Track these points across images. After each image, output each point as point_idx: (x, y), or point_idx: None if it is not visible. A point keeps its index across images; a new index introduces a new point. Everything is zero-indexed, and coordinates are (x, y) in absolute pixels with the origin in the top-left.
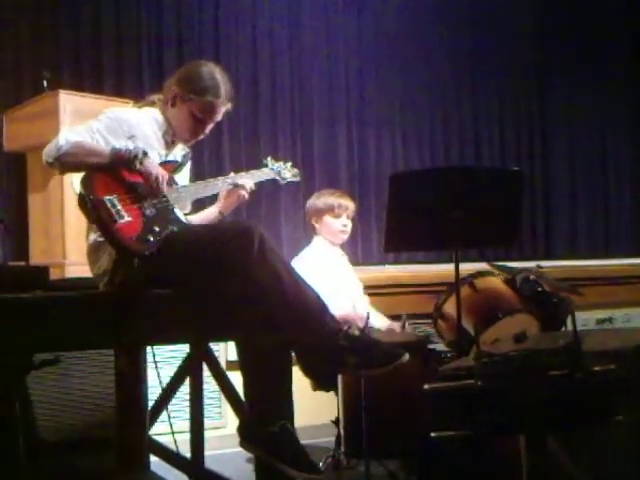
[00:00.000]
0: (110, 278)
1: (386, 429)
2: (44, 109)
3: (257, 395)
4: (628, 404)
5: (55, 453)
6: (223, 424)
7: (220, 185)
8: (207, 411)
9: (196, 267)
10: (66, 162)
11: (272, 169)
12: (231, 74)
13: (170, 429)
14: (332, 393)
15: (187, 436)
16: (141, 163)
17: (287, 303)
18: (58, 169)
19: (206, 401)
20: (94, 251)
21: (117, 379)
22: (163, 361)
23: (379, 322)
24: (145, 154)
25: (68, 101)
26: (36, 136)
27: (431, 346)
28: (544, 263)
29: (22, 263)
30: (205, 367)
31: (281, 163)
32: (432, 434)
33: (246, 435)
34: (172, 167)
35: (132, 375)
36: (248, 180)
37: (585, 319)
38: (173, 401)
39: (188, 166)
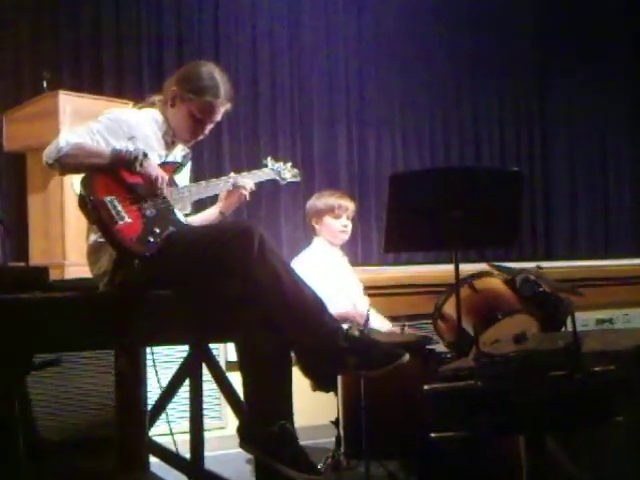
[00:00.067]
0: (110, 279)
1: (386, 430)
2: (44, 109)
3: (257, 396)
4: (628, 404)
5: (55, 453)
6: (223, 425)
7: (221, 185)
8: (207, 412)
9: (196, 267)
10: (66, 163)
11: (272, 169)
12: (231, 74)
13: (169, 430)
14: (332, 394)
15: (187, 437)
16: (141, 165)
17: (287, 303)
18: (58, 170)
19: (206, 402)
20: (94, 252)
21: (117, 379)
22: (163, 362)
23: (379, 323)
24: (145, 156)
25: (68, 102)
26: (36, 137)
27: (431, 347)
28: (544, 263)
29: (22, 264)
30: (205, 368)
31: (281, 163)
32: (432, 435)
33: (246, 436)
34: (172, 168)
35: (132, 375)
36: (248, 180)
37: (585, 320)
38: (173, 402)
39: (188, 166)
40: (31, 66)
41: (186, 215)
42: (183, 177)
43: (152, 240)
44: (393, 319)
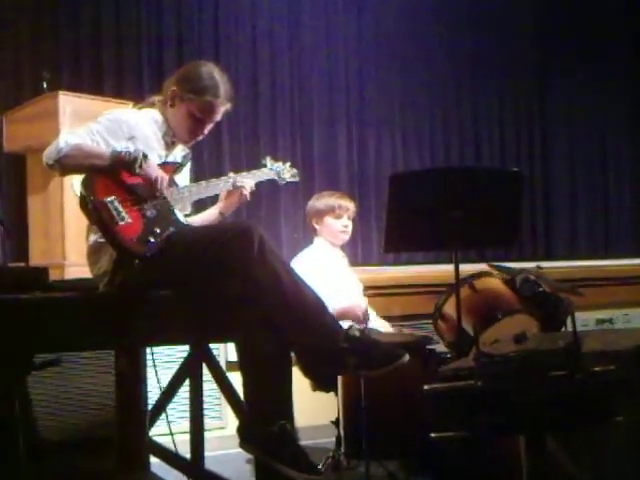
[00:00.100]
0: (110, 279)
1: (386, 430)
2: (44, 110)
3: (257, 396)
4: (628, 405)
5: (55, 453)
6: (223, 425)
7: (221, 186)
8: (207, 412)
9: (196, 268)
10: (66, 164)
11: (271, 169)
12: (231, 74)
13: (169, 430)
14: (332, 394)
15: (187, 437)
16: (140, 166)
17: (287, 303)
18: (58, 171)
19: (206, 402)
20: (94, 252)
21: (117, 380)
22: (163, 362)
23: (378, 324)
24: (145, 157)
25: (68, 102)
26: (36, 137)
27: (431, 347)
28: (544, 263)
29: (22, 264)
30: (205, 368)
31: (280, 163)
32: (432, 435)
33: (246, 436)
34: (172, 168)
35: (132, 376)
36: (248, 180)
37: (585, 319)
38: (173, 402)
39: (188, 167)
40: (31, 66)
41: (186, 215)
42: (183, 177)
43: (152, 240)
44: (392, 319)
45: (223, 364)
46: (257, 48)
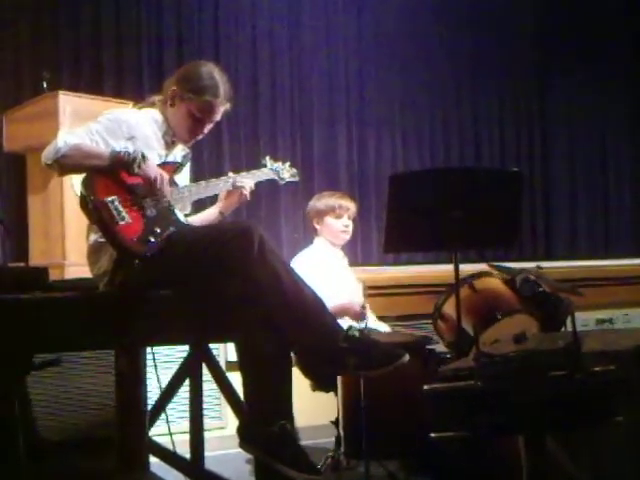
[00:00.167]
0: (110, 279)
1: (386, 430)
2: (44, 110)
3: (257, 396)
4: (628, 405)
5: (55, 453)
6: (223, 425)
7: (220, 185)
8: (207, 412)
9: (196, 267)
10: (65, 164)
11: (271, 169)
12: (231, 74)
13: (169, 430)
14: (332, 394)
15: (187, 437)
16: (139, 166)
17: (287, 303)
18: (57, 171)
19: (206, 402)
20: (94, 252)
21: (117, 379)
22: (163, 362)
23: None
24: (144, 157)
25: (68, 102)
26: (36, 137)
27: (430, 347)
28: (544, 263)
29: (22, 264)
30: (205, 368)
31: (280, 163)
32: (432, 435)
33: (246, 436)
34: (172, 168)
35: (132, 375)
36: (248, 180)
37: (585, 320)
38: (173, 402)
39: (188, 166)
40: (31, 66)
41: (186, 215)
42: (183, 177)
43: (153, 240)
44: (392, 319)
45: (223, 364)
46: (257, 48)
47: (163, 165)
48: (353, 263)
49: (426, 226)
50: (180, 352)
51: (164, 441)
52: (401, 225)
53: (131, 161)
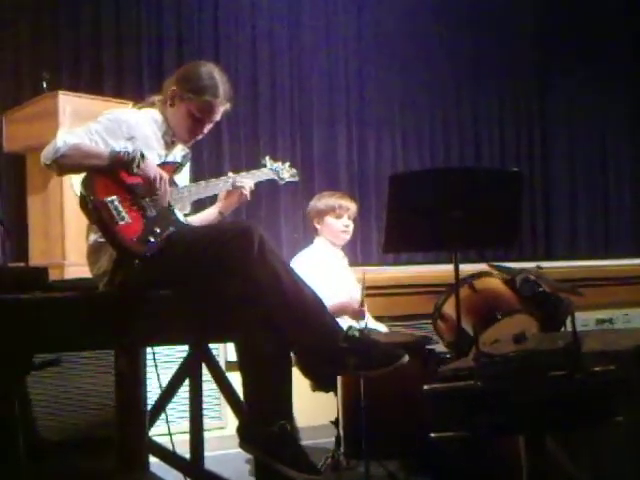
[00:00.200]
0: (110, 279)
1: (386, 430)
2: (43, 110)
3: (257, 396)
4: (628, 405)
5: (55, 453)
6: (223, 425)
7: (220, 186)
8: (207, 412)
9: (196, 267)
10: (64, 164)
11: (271, 169)
12: (231, 74)
13: (168, 430)
14: (331, 394)
15: (187, 437)
16: (138, 166)
17: (287, 303)
18: (56, 171)
19: (206, 402)
20: (94, 252)
21: (117, 379)
22: (163, 362)
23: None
24: (143, 156)
25: (67, 102)
26: (35, 137)
27: (430, 347)
28: (544, 263)
29: (21, 264)
30: (205, 368)
31: (279, 163)
32: (432, 435)
33: (245, 436)
34: (172, 168)
35: (132, 375)
36: (248, 180)
37: (585, 320)
38: (173, 402)
39: (188, 166)
40: (31, 66)
41: (186, 215)
42: (183, 177)
43: (152, 240)
44: (392, 319)
45: (223, 364)
46: (257, 48)
47: (163, 165)
48: (353, 263)
49: (426, 226)
50: (180, 352)
51: (164, 441)
52: (401, 225)
53: (130, 161)
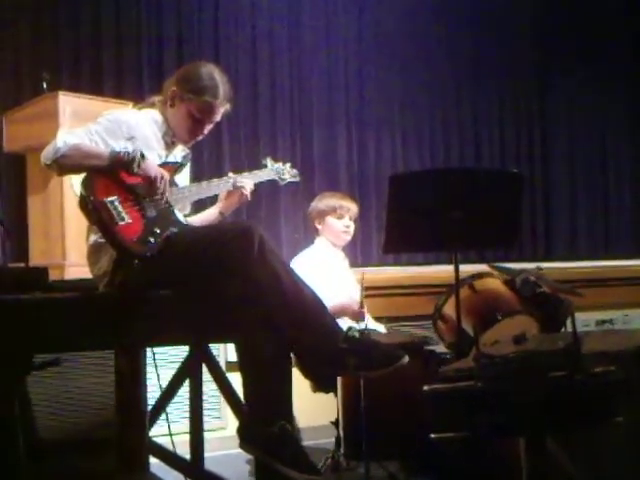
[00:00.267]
0: (110, 279)
1: (386, 430)
2: (44, 110)
3: (257, 396)
4: (628, 405)
5: (55, 453)
6: (223, 425)
7: (221, 186)
8: (207, 412)
9: (196, 268)
10: (64, 164)
11: (271, 170)
12: (231, 74)
13: (169, 430)
14: (331, 394)
15: (187, 437)
16: (139, 166)
17: (287, 304)
18: (56, 171)
19: (206, 402)
20: (94, 252)
21: (117, 380)
22: (163, 360)
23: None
24: (143, 156)
25: (67, 102)
26: (36, 137)
27: (431, 347)
28: (544, 264)
29: (22, 264)
30: (205, 368)
31: (280, 163)
32: (432, 435)
33: (246, 436)
34: (172, 168)
35: (132, 376)
36: (249, 180)
37: (585, 320)
38: (173, 402)
39: (188, 167)
40: (31, 66)
41: (186, 215)
42: (183, 177)
43: (152, 240)
44: (392, 320)
45: (223, 365)
46: (257, 48)
47: (163, 165)
48: (353, 264)
49: (426, 227)
50: (180, 352)
51: (164, 442)
52: (401, 225)
53: (131, 160)
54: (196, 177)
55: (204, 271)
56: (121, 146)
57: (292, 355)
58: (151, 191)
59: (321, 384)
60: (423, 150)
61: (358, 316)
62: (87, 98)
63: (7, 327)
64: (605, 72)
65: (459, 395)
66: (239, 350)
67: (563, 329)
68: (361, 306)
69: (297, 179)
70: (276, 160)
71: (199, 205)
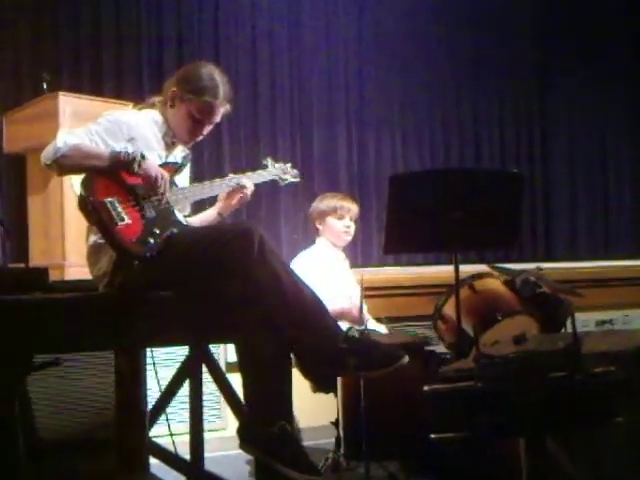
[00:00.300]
0: (110, 280)
1: (386, 431)
2: (44, 111)
3: (257, 396)
4: (628, 405)
5: (55, 454)
6: (223, 426)
7: (222, 187)
8: (207, 413)
9: (196, 268)
10: (64, 164)
11: (272, 170)
12: (231, 75)
13: (169, 431)
14: (331, 395)
15: (187, 438)
16: (139, 166)
17: (286, 304)
18: (56, 171)
19: (206, 403)
20: (94, 253)
21: (117, 380)
22: (163, 360)
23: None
24: (143, 157)
25: (67, 103)
26: (36, 138)
27: (431, 348)
28: (544, 264)
29: (22, 265)
30: (205, 369)
31: (281, 164)
32: (432, 435)
33: (246, 437)
34: (172, 168)
35: (132, 376)
36: (249, 181)
37: (585, 320)
38: (173, 402)
39: (187, 167)
40: (31, 67)
41: (185, 216)
42: (183, 178)
43: (152, 241)
44: (392, 320)
45: (223, 365)
46: (257, 48)
47: (163, 166)
48: (353, 264)
49: (426, 227)
50: (180, 352)
51: (164, 442)
52: (401, 226)
53: (131, 161)
54: (196, 177)
55: (204, 271)
56: (121, 147)
57: (292, 355)
58: (151, 192)
59: (321, 384)
60: (423, 150)
61: (357, 322)
62: (87, 98)
63: (7, 327)
64: (605, 72)
65: (459, 395)
66: (239, 350)
67: (563, 329)
68: (360, 310)
69: (297, 179)
70: (276, 160)
71: (198, 205)
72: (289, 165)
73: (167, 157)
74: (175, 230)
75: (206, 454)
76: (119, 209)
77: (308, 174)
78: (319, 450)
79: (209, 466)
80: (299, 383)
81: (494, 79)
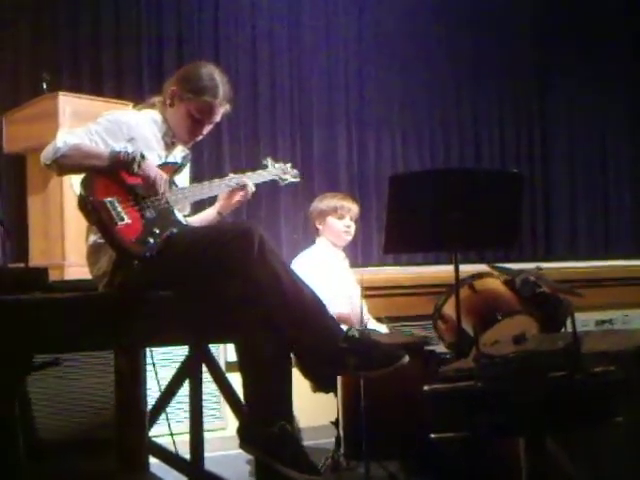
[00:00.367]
0: (109, 279)
1: (386, 430)
2: (43, 111)
3: (257, 396)
4: (628, 405)
5: (55, 454)
6: (223, 426)
7: (222, 186)
8: (207, 413)
9: (196, 268)
10: (64, 164)
11: (272, 170)
12: (231, 75)
13: (169, 431)
14: (331, 394)
15: (187, 437)
16: (139, 166)
17: (286, 304)
18: (56, 171)
19: (206, 403)
20: (94, 252)
21: (117, 380)
22: (162, 360)
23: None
24: (143, 157)
25: (67, 103)
26: (35, 138)
27: (431, 347)
28: (544, 264)
29: (21, 265)
30: (204, 368)
31: (281, 164)
32: (432, 435)
33: (246, 436)
34: (172, 168)
35: (131, 376)
36: (249, 181)
37: (585, 320)
38: (173, 402)
39: (187, 167)
40: (31, 67)
41: (185, 216)
42: (182, 178)
43: (152, 241)
44: (392, 320)
45: (222, 365)
46: (257, 48)
47: (163, 166)
48: (353, 264)
49: (426, 227)
50: (180, 351)
51: (164, 442)
52: (401, 226)
53: (130, 161)
54: (196, 177)
55: (204, 271)
56: (121, 147)
57: (292, 355)
58: (151, 191)
59: (321, 384)
60: (423, 150)
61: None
62: (87, 98)
63: (7, 327)
64: (605, 72)
65: (459, 395)
66: (239, 350)
67: (563, 329)
68: (361, 310)
69: (297, 179)
70: (276, 160)
71: (198, 205)
72: (289, 165)
73: (167, 157)
74: (175, 230)
75: (206, 454)
76: (119, 209)
77: (308, 174)
78: (319, 450)
79: (209, 466)
80: (299, 383)
81: (494, 79)
